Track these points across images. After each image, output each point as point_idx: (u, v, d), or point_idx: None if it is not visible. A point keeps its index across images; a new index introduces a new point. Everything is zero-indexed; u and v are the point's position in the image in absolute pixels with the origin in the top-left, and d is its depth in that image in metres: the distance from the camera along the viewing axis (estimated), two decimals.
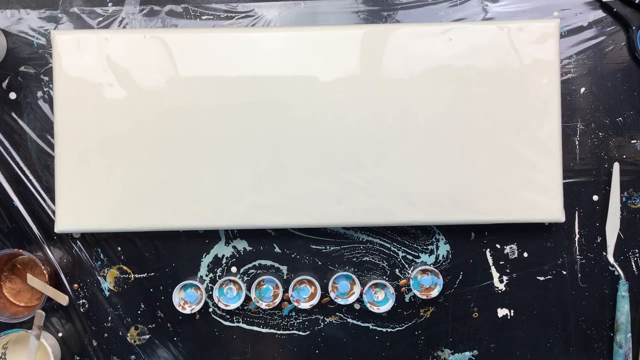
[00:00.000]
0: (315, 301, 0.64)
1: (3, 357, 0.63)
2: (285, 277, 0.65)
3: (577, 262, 0.65)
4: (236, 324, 0.66)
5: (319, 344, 0.66)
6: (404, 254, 0.65)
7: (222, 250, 0.65)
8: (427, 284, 0.64)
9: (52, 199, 0.65)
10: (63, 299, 0.62)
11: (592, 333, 0.65)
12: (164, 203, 0.61)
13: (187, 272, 0.65)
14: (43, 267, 0.62)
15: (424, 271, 0.65)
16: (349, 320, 0.66)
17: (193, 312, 0.64)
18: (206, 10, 0.65)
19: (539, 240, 0.65)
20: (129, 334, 0.65)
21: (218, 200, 0.61)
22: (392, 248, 0.65)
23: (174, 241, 0.65)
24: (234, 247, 0.65)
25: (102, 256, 0.65)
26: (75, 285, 0.65)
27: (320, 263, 0.65)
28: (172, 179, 0.61)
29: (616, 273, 0.65)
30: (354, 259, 0.65)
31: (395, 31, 0.61)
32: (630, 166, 0.65)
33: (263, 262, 0.65)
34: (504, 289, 0.65)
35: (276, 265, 0.65)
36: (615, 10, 0.64)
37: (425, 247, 0.65)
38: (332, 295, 0.64)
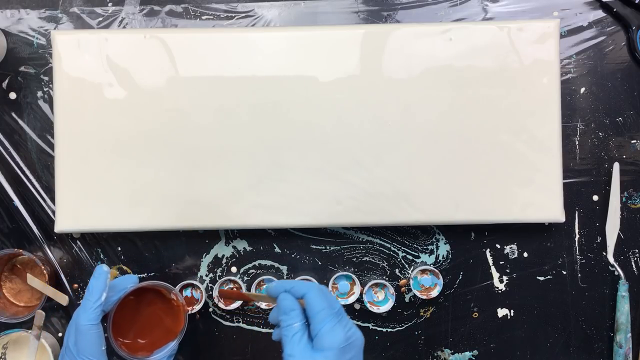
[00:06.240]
0: None
1: (3, 357, 0.63)
2: (285, 277, 0.65)
3: (577, 262, 0.65)
4: (236, 324, 0.66)
5: None
6: (404, 254, 0.65)
7: (222, 250, 0.65)
8: (427, 284, 0.64)
9: (52, 199, 0.65)
10: (63, 299, 0.62)
11: (592, 333, 0.65)
12: (164, 203, 0.61)
13: (187, 272, 0.65)
14: (43, 267, 0.62)
15: (424, 271, 0.65)
16: None
17: (193, 312, 0.64)
18: (206, 10, 0.65)
19: (539, 240, 0.65)
20: None
21: (218, 200, 0.61)
22: (392, 248, 0.65)
23: (174, 241, 0.65)
24: (234, 247, 0.65)
25: (102, 256, 0.65)
26: (75, 285, 0.65)
27: (320, 263, 0.65)
28: (172, 179, 0.61)
29: (616, 273, 0.65)
30: (354, 259, 0.65)
31: (395, 31, 0.61)
32: (630, 166, 0.65)
33: (263, 262, 0.65)
34: (504, 289, 0.65)
35: (276, 265, 0.65)
36: (615, 10, 0.64)
37: (425, 247, 0.65)
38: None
